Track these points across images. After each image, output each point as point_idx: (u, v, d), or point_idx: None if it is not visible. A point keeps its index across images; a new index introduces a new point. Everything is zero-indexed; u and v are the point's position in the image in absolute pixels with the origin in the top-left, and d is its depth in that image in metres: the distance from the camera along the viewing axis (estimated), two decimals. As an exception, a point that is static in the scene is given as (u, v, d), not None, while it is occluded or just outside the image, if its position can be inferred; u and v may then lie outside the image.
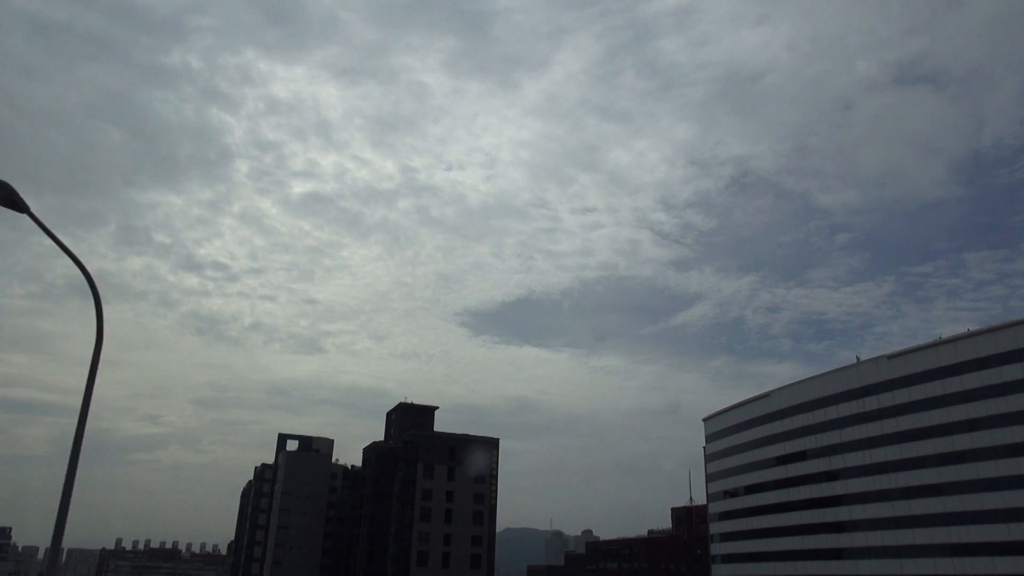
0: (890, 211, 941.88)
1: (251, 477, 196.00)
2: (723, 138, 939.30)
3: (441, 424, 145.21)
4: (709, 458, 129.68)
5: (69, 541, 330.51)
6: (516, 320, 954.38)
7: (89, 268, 14.42)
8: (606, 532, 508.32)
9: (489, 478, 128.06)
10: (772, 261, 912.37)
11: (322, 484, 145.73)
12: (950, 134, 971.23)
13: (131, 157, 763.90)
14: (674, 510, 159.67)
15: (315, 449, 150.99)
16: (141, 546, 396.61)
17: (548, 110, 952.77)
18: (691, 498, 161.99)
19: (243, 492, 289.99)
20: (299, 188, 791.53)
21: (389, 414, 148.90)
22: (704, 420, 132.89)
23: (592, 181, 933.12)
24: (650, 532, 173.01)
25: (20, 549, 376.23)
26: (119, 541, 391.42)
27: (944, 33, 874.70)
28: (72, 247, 14.34)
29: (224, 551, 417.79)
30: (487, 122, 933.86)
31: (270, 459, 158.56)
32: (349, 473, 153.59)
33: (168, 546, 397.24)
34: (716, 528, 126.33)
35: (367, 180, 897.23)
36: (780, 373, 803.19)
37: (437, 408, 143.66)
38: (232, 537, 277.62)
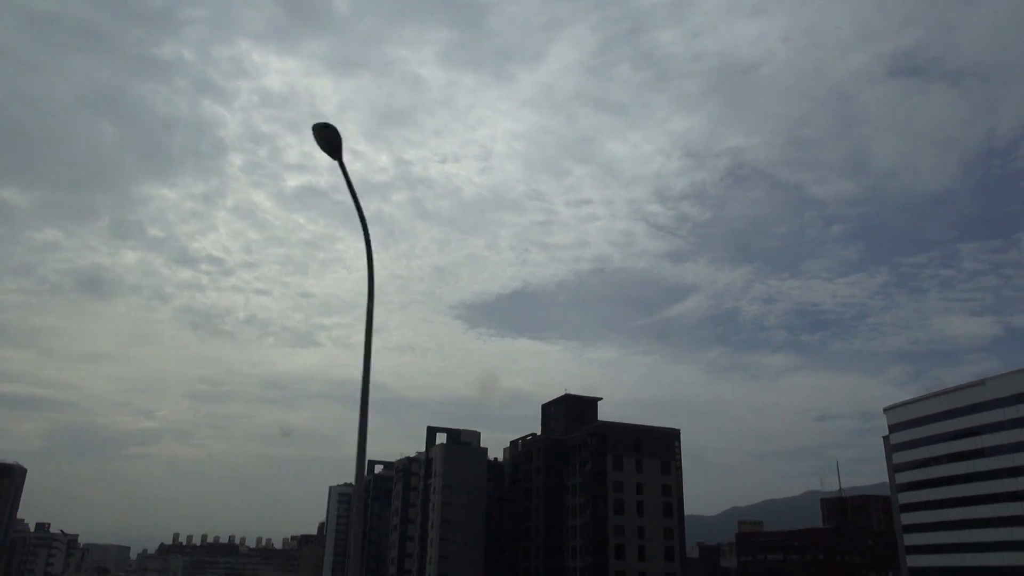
0: (884, 202, 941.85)
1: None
2: (718, 130, 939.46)
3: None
4: (895, 448, 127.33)
5: (85, 537, 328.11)
6: (511, 313, 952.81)
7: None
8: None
9: (674, 469, 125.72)
10: (766, 252, 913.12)
11: (480, 477, 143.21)
12: (946, 125, 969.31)
13: (123, 150, 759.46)
14: (824, 501, 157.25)
15: (465, 442, 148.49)
16: (197, 541, 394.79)
17: (543, 102, 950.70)
18: (840, 490, 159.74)
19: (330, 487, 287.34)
20: (293, 181, 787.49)
21: (546, 406, 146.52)
22: (885, 410, 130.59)
23: (587, 173, 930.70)
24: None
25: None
26: (176, 536, 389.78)
27: (938, 25, 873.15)
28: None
29: (279, 545, 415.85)
30: (482, 114, 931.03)
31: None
32: (493, 466, 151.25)
33: (224, 541, 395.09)
34: (909, 519, 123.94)
35: (362, 173, 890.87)
36: (775, 364, 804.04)
37: (600, 399, 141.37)
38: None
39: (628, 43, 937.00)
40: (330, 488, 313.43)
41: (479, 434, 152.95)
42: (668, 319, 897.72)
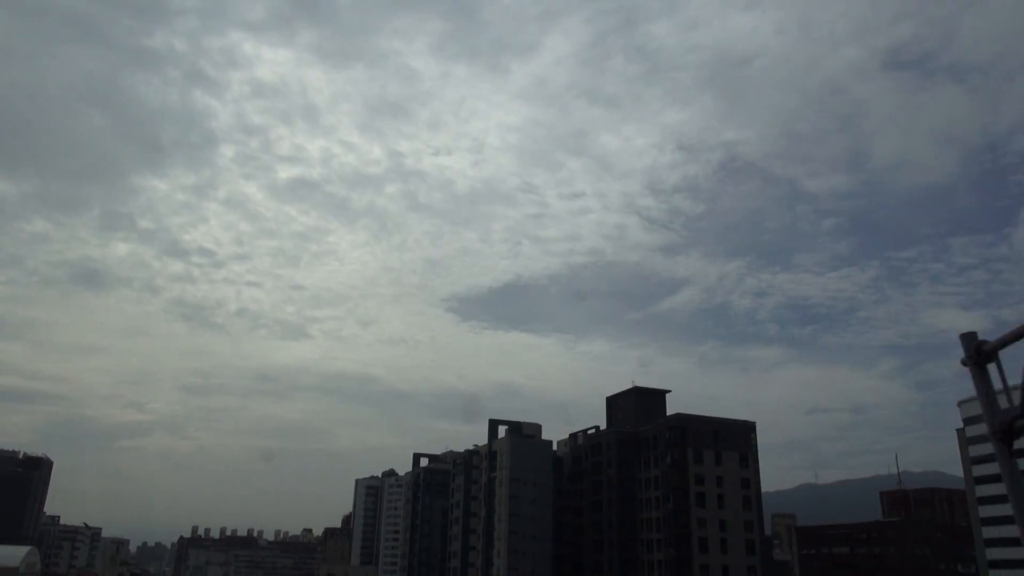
0: (876, 196, 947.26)
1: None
2: (711, 123, 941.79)
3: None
4: (971, 441, 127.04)
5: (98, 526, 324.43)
6: (503, 305, 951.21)
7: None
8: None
9: (752, 462, 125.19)
10: (759, 246, 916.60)
11: (546, 470, 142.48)
12: (939, 120, 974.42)
13: (114, 141, 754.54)
14: (884, 494, 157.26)
15: (528, 435, 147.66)
16: (215, 534, 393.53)
17: (536, 94, 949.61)
18: (900, 482, 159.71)
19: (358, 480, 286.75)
20: (285, 173, 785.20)
21: (612, 399, 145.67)
22: (960, 404, 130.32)
23: (580, 166, 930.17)
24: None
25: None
26: (195, 529, 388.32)
27: (930, 20, 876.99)
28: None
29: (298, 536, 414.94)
30: (475, 107, 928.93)
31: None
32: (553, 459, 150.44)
33: (243, 533, 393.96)
34: (988, 512, 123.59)
35: (354, 165, 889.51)
36: (767, 357, 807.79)
37: (669, 392, 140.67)
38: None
39: (622, 35, 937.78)
40: (356, 480, 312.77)
41: (540, 427, 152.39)
42: (660, 312, 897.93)
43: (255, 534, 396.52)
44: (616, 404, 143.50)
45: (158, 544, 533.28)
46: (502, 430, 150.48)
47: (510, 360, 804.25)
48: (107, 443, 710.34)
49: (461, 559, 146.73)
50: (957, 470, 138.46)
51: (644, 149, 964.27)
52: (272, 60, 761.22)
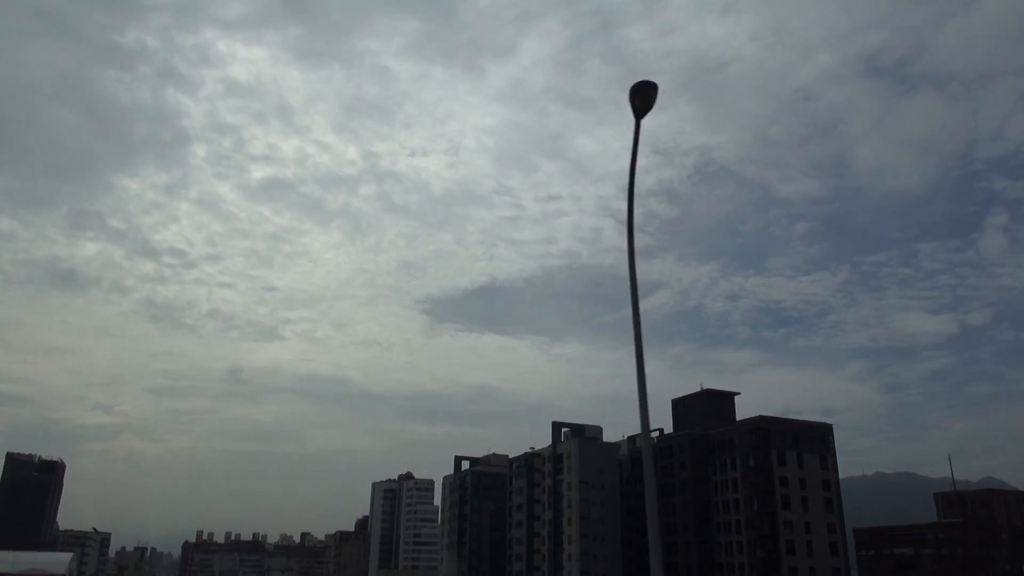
0: (847, 201, 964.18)
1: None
2: (686, 127, 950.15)
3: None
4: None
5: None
6: (478, 308, 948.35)
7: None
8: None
9: (832, 464, 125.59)
10: (732, 250, 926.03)
11: (613, 472, 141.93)
12: (911, 127, 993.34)
13: (83, 139, 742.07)
14: (939, 495, 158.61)
15: (591, 437, 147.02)
16: (220, 538, 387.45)
17: (513, 97, 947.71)
18: (953, 482, 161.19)
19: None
20: (259, 173, 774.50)
21: (678, 401, 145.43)
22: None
23: (556, 169, 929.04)
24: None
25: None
26: (200, 534, 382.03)
27: (902, 27, 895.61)
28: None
29: (297, 540, 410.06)
30: (451, 108, 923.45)
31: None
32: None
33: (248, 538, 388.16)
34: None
35: (329, 165, 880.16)
36: (739, 360, 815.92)
37: (739, 394, 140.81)
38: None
39: (599, 39, 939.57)
40: (373, 484, 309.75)
41: (601, 429, 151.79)
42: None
43: (259, 538, 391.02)
44: (683, 406, 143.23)
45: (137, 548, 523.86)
46: (556, 433, 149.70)
47: (485, 362, 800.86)
48: (73, 446, 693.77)
49: (527, 562, 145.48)
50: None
51: (620, 152, 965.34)
52: (247, 59, 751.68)
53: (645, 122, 15.35)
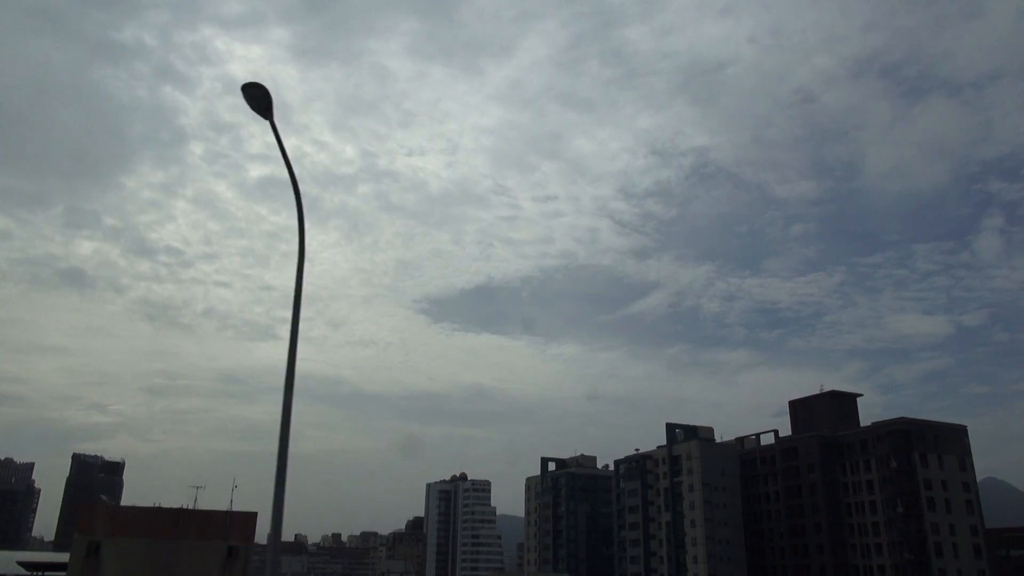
0: (843, 202, 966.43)
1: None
2: (684, 128, 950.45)
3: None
4: None
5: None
6: (475, 307, 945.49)
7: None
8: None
9: (969, 465, 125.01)
10: (728, 251, 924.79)
11: (734, 474, 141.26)
12: (907, 129, 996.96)
13: (80, 137, 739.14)
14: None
15: (705, 438, 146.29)
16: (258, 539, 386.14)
17: (511, 97, 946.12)
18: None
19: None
20: (256, 171, 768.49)
21: (796, 403, 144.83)
22: None
23: (554, 169, 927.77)
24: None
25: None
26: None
27: (899, 30, 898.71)
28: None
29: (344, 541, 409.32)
30: (450, 108, 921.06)
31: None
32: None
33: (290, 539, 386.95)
34: None
35: (326, 164, 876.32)
36: (735, 360, 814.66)
37: (861, 395, 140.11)
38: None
39: (598, 39, 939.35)
40: (428, 485, 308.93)
41: (713, 430, 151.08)
42: (631, 315, 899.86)
43: (300, 539, 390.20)
44: (803, 408, 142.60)
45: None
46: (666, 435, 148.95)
47: (481, 362, 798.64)
48: (68, 445, 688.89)
49: (644, 565, 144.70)
50: None
51: (617, 153, 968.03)
52: (244, 57, 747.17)
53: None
